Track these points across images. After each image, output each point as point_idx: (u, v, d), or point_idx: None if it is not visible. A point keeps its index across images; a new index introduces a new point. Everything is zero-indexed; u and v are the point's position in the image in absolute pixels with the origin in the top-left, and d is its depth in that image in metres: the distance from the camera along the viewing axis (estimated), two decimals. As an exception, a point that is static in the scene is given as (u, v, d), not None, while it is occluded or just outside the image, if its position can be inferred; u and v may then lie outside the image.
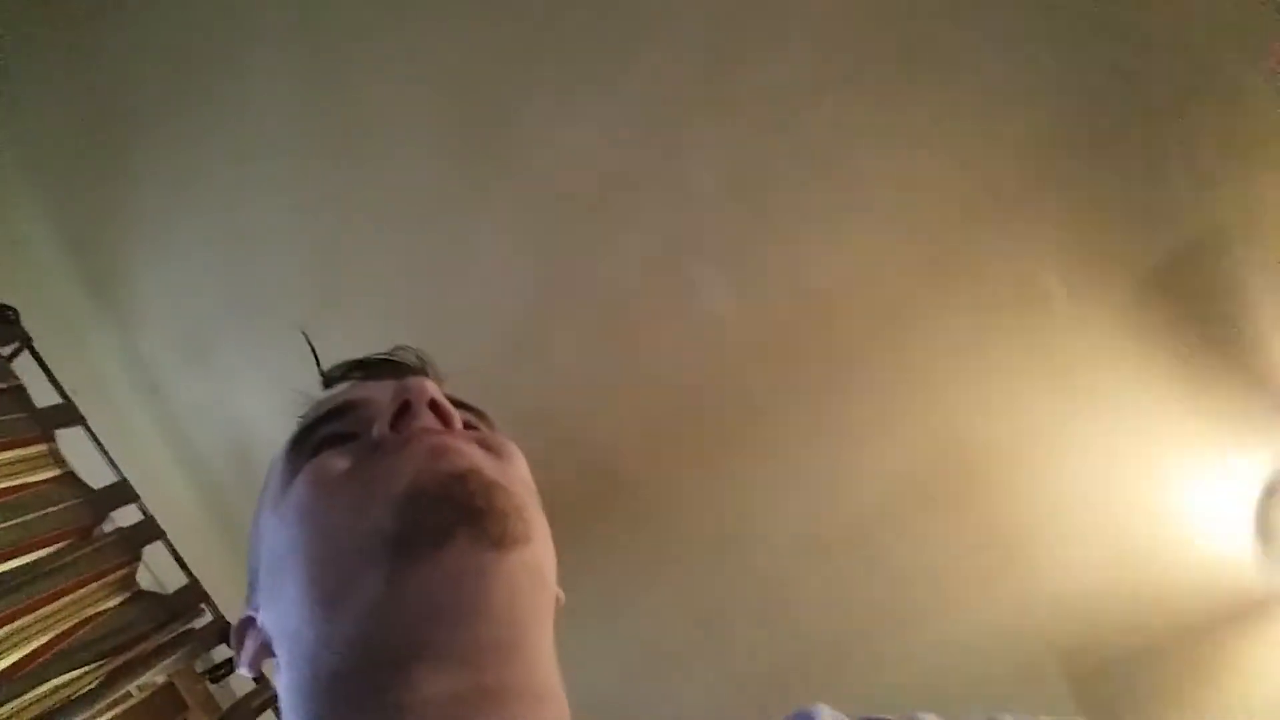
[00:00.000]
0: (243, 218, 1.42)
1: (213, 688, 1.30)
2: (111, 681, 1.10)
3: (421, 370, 0.52)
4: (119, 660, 1.12)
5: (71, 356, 1.39)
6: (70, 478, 1.21)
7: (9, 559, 1.07)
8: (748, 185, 1.25)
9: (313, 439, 0.44)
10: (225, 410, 1.53)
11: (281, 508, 0.42)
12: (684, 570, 1.41)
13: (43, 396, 1.24)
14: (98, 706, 1.07)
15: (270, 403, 1.41)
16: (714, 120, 1.23)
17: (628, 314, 1.35)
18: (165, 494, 1.42)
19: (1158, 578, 1.22)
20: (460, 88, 1.28)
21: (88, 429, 1.27)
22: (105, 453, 1.28)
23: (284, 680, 0.40)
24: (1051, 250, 1.19)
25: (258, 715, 1.20)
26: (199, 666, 1.27)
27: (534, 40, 1.24)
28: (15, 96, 1.41)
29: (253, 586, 0.46)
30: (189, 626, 1.22)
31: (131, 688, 1.13)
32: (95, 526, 1.21)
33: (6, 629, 1.03)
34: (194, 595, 1.25)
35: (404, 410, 0.41)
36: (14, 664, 1.03)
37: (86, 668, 1.08)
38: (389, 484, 0.37)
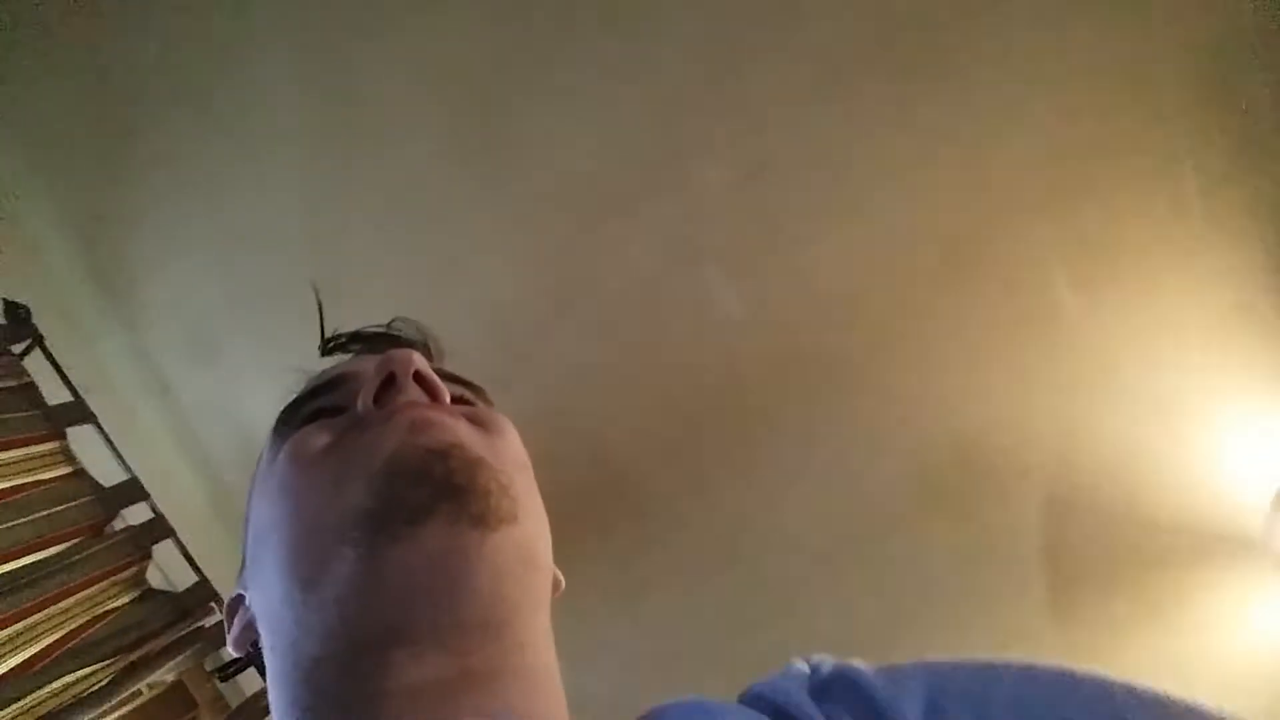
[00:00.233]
0: (250, 217, 1.42)
1: (222, 686, 1.31)
2: (121, 679, 1.10)
3: (418, 343, 0.51)
4: (129, 658, 1.12)
5: (82, 355, 1.39)
6: (81, 475, 1.21)
7: (20, 556, 1.08)
8: (754, 186, 1.24)
9: (299, 413, 0.43)
10: (234, 408, 1.53)
11: (266, 484, 0.41)
12: (690, 574, 1.40)
13: (54, 394, 1.24)
14: (107, 704, 1.07)
15: (279, 400, 1.41)
16: (720, 120, 1.23)
17: (632, 314, 1.34)
18: (175, 492, 1.42)
19: (1172, 582, 1.21)
20: (464, 88, 1.28)
21: (98, 427, 1.27)
22: (116, 450, 1.28)
23: (268, 667, 0.38)
24: (1063, 255, 1.18)
25: (266, 714, 1.20)
26: (208, 665, 1.27)
27: (538, 39, 1.23)
28: (25, 99, 1.41)
29: (243, 564, 0.45)
30: (198, 625, 1.22)
31: (141, 686, 1.13)
32: (106, 524, 1.21)
33: (17, 626, 1.03)
34: (204, 593, 1.26)
35: (389, 383, 0.39)
36: (24, 661, 1.04)
37: (96, 665, 1.09)
38: (368, 459, 0.35)
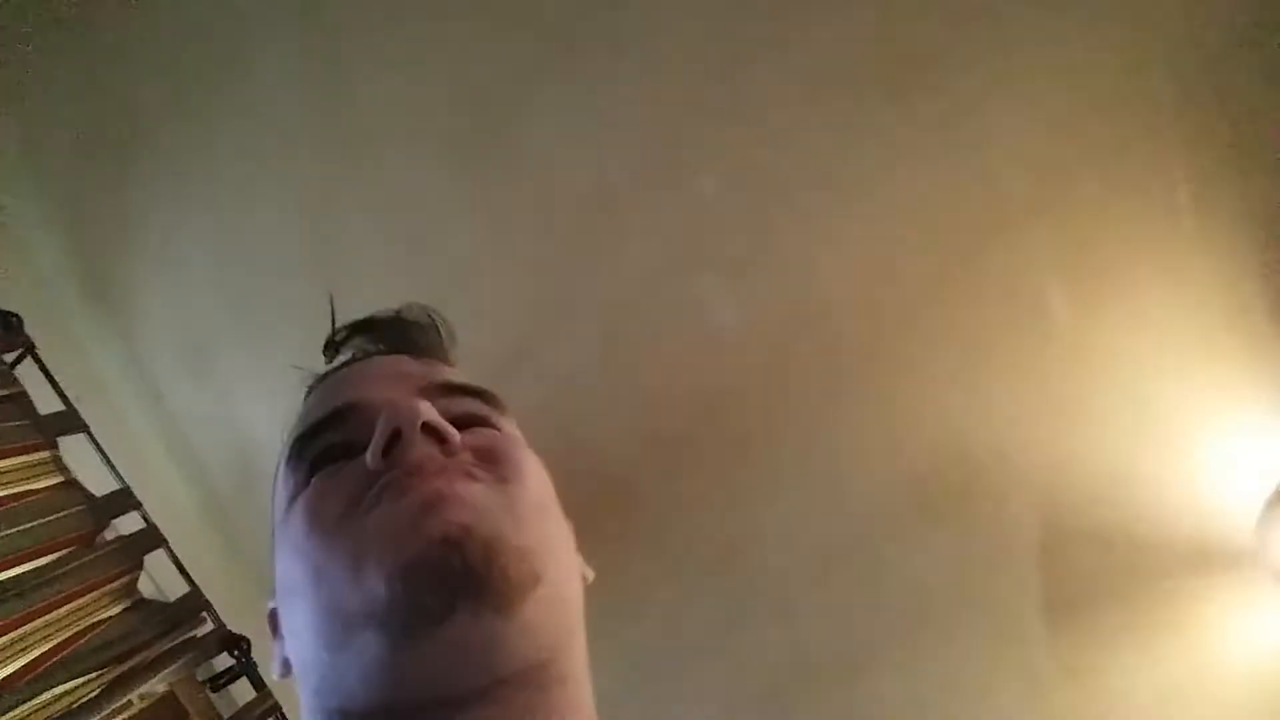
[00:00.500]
0: (245, 225, 1.42)
1: (214, 697, 1.30)
2: (112, 690, 1.10)
3: (429, 329, 0.51)
4: (120, 669, 1.11)
5: (74, 363, 1.39)
6: (72, 485, 1.21)
7: (10, 566, 1.07)
8: (751, 193, 1.25)
9: (311, 449, 0.42)
10: (227, 418, 1.53)
11: (286, 529, 0.41)
12: (687, 581, 1.40)
13: (45, 403, 1.24)
14: (98, 716, 1.06)
15: (272, 411, 1.41)
16: (717, 127, 1.23)
17: (630, 321, 1.34)
18: (167, 502, 1.41)
19: (1166, 592, 1.21)
20: (462, 95, 1.28)
21: (90, 436, 1.27)
22: (107, 460, 1.27)
23: (302, 703, 0.39)
24: (1056, 264, 1.19)
25: (259, 724, 1.20)
26: (200, 675, 1.26)
27: (537, 45, 1.24)
28: (18, 103, 1.41)
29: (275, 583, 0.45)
30: (190, 635, 1.22)
31: (132, 696, 1.12)
32: (97, 534, 1.20)
33: (7, 637, 1.03)
34: (195, 603, 1.25)
35: (396, 438, 0.39)
36: (15, 672, 1.03)
37: (87, 676, 1.08)
38: (381, 549, 0.35)
